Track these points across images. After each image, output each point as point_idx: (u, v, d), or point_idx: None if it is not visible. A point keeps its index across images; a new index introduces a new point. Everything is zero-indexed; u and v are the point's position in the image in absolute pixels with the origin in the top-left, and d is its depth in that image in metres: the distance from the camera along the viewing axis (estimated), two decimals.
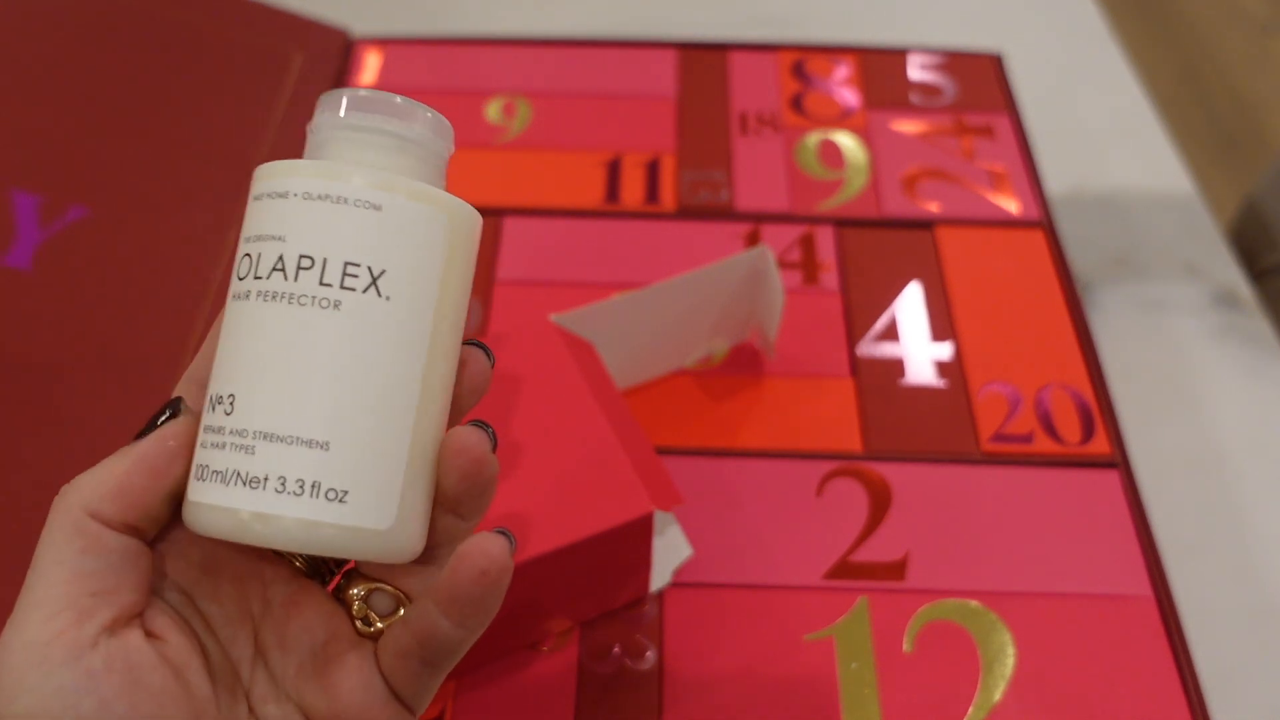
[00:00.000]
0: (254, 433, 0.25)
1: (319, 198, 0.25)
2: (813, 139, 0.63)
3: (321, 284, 0.25)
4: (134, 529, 0.25)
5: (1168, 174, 0.69)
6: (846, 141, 0.63)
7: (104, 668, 0.24)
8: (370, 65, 0.65)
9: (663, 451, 0.48)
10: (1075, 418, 0.50)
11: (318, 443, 0.25)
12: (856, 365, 0.52)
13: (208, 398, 0.26)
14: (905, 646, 0.42)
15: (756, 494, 0.47)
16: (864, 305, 0.54)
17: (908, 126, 0.64)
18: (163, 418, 0.26)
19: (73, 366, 0.48)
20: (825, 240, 0.57)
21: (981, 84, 0.66)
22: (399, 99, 0.27)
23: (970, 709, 0.41)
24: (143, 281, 0.51)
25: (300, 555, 0.28)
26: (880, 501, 0.47)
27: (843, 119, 0.64)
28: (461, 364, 0.27)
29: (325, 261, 0.25)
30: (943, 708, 0.41)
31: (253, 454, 0.25)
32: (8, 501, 0.43)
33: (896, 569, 0.45)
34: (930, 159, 0.62)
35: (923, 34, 0.76)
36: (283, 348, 0.25)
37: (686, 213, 0.58)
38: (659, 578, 0.43)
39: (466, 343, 0.28)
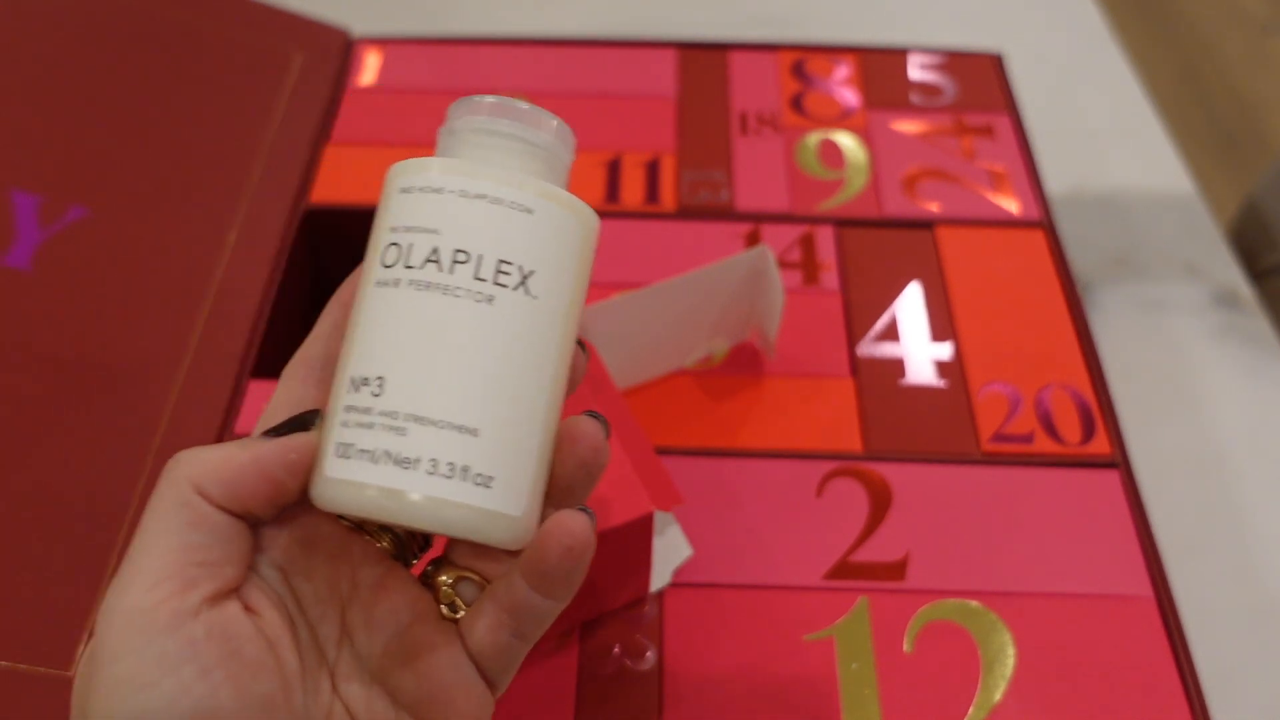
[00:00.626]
0: (405, 415, 0.26)
1: (476, 196, 0.27)
2: (813, 139, 0.63)
3: (476, 278, 0.26)
4: (233, 515, 0.26)
5: (1168, 174, 0.69)
6: (846, 141, 0.63)
7: (204, 636, 0.24)
8: (370, 65, 0.65)
9: (663, 451, 0.48)
10: (1075, 418, 0.50)
11: (468, 429, 0.26)
12: (856, 365, 0.52)
13: (346, 378, 0.27)
14: (905, 646, 0.42)
15: (756, 494, 0.47)
16: (864, 305, 0.54)
17: (908, 126, 0.64)
18: (289, 425, 0.27)
19: (72, 366, 0.48)
20: (825, 240, 0.57)
21: (981, 84, 0.66)
22: (534, 107, 0.29)
23: (970, 709, 0.41)
24: (143, 281, 0.51)
25: (387, 537, 0.29)
26: (880, 502, 0.47)
27: (843, 119, 0.64)
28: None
29: (481, 258, 0.26)
30: (943, 708, 0.41)
31: (404, 435, 0.26)
32: (8, 501, 0.43)
33: (896, 569, 0.45)
34: (930, 159, 0.62)
35: (923, 34, 0.76)
36: (436, 336, 0.26)
37: (686, 213, 0.58)
38: (659, 578, 0.43)
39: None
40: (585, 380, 0.41)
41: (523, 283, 0.27)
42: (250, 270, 0.54)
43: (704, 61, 0.67)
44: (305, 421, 0.27)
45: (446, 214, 0.27)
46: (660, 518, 0.43)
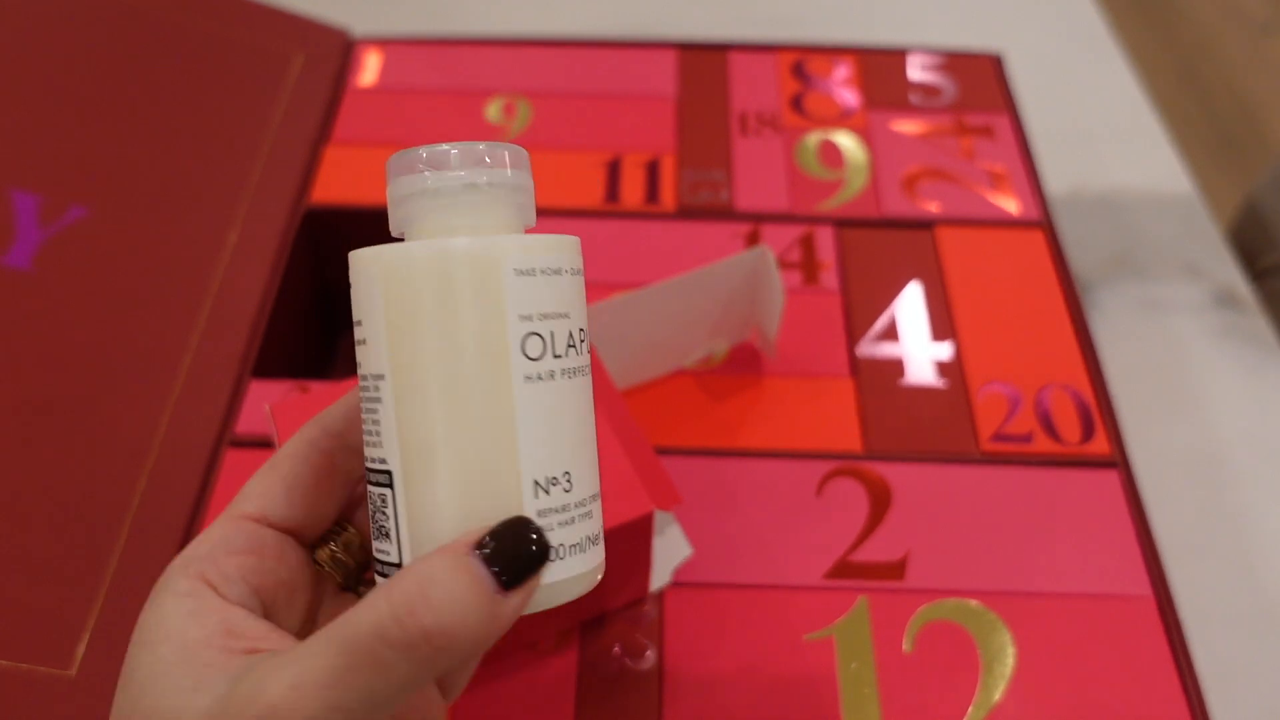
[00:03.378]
0: (589, 498, 0.27)
1: (574, 272, 0.27)
2: (813, 139, 0.63)
3: (580, 354, 0.27)
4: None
5: (1168, 174, 0.69)
6: (846, 141, 0.63)
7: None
8: (370, 65, 0.65)
9: (663, 451, 0.48)
10: (1075, 418, 0.50)
11: (598, 495, 0.28)
12: (856, 365, 0.52)
13: (529, 483, 0.25)
14: (905, 646, 0.42)
15: (756, 494, 0.47)
16: (864, 305, 0.54)
17: (908, 126, 0.64)
18: (539, 567, 0.25)
19: (73, 366, 0.48)
20: (825, 240, 0.57)
21: (981, 84, 0.66)
22: (499, 146, 0.27)
23: (970, 709, 0.41)
24: (143, 281, 0.51)
25: (339, 571, 0.30)
26: (880, 501, 0.47)
27: (843, 119, 0.64)
28: None
29: (582, 331, 0.27)
30: (943, 708, 0.41)
31: (591, 517, 0.27)
32: (8, 501, 0.43)
33: (896, 569, 0.45)
34: (930, 159, 0.62)
35: (923, 34, 0.76)
36: (585, 416, 0.27)
37: (686, 213, 0.58)
38: (659, 578, 0.43)
39: None
40: None
41: (583, 342, 0.28)
42: (250, 270, 0.54)
43: (704, 61, 0.67)
44: (540, 555, 0.25)
45: (569, 296, 0.27)
46: (660, 518, 0.43)
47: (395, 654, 0.22)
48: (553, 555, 0.25)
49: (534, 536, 0.25)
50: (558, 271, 0.26)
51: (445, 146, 0.26)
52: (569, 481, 0.26)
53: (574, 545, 0.27)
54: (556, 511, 0.26)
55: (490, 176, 0.26)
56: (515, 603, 0.24)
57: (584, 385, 0.27)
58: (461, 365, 0.25)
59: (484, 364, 0.25)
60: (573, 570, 0.26)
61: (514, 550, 0.24)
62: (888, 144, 0.63)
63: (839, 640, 0.42)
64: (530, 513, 0.25)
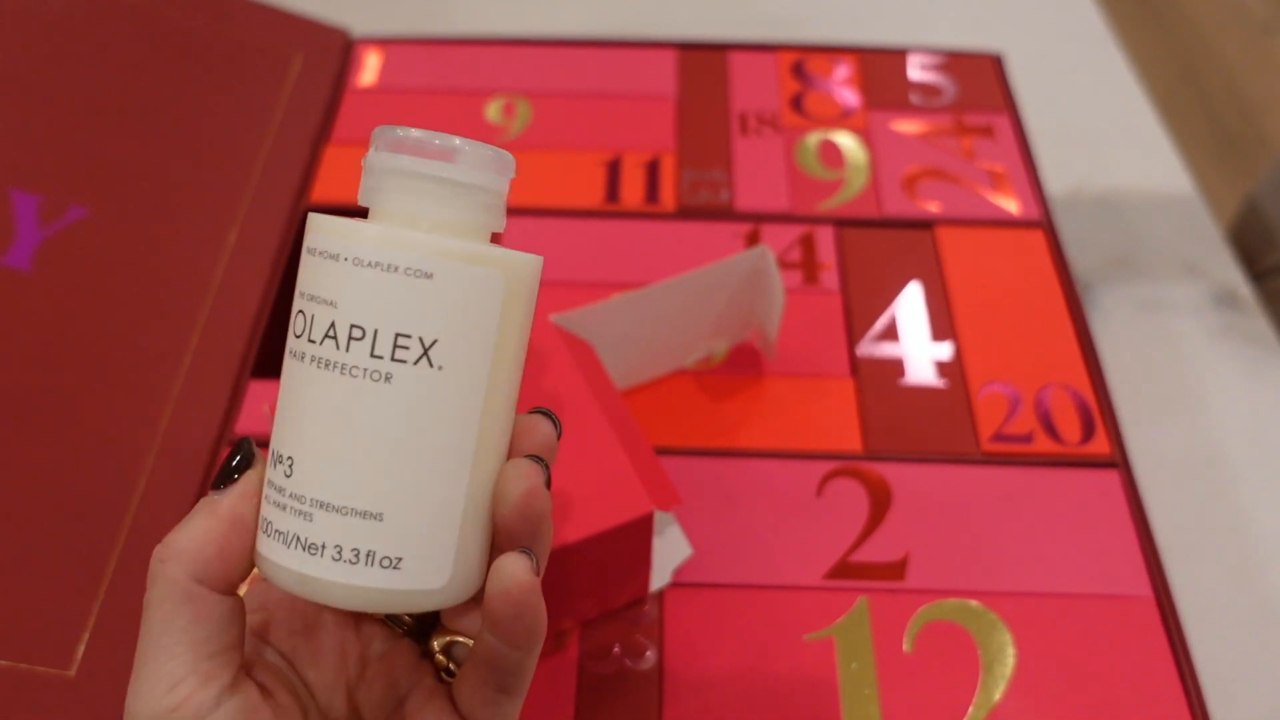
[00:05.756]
0: (311, 500, 0.25)
1: (370, 265, 0.25)
2: (813, 139, 0.63)
3: (373, 356, 0.25)
4: (236, 585, 0.26)
5: (1168, 174, 0.69)
6: (846, 141, 0.63)
7: None
8: (370, 65, 0.65)
9: (663, 451, 0.48)
10: (1075, 418, 0.50)
11: (371, 514, 0.25)
12: (856, 365, 0.52)
13: (271, 451, 0.26)
14: (905, 646, 0.42)
15: (756, 494, 0.47)
16: (864, 305, 0.54)
17: (908, 126, 0.64)
18: (237, 468, 0.27)
19: (73, 366, 0.48)
20: (825, 240, 0.57)
21: (981, 84, 0.66)
22: (456, 140, 0.26)
23: (970, 709, 0.41)
24: (143, 281, 0.51)
25: (394, 619, 0.30)
26: (880, 501, 0.47)
27: (843, 119, 0.64)
28: (526, 432, 0.28)
29: (376, 332, 0.25)
30: (943, 708, 0.41)
31: (311, 521, 0.25)
32: (8, 501, 0.43)
33: (896, 569, 0.45)
34: (930, 159, 0.62)
35: (923, 34, 0.76)
36: (336, 419, 0.25)
37: (686, 213, 0.58)
38: (659, 578, 0.43)
39: (535, 411, 0.28)
40: (585, 380, 0.41)
41: (424, 355, 0.25)
42: (250, 270, 0.54)
43: (704, 61, 0.67)
44: (243, 454, 0.27)
45: (342, 285, 0.25)
46: (660, 518, 0.43)
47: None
48: (262, 525, 0.26)
49: (244, 446, 0.27)
50: (334, 257, 0.25)
51: (421, 134, 0.26)
52: (290, 468, 0.25)
53: (280, 532, 0.25)
54: (275, 489, 0.26)
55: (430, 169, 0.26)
56: (217, 499, 0.26)
57: (346, 384, 0.25)
58: None
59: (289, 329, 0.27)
60: (277, 557, 0.26)
61: (227, 459, 0.27)
62: (888, 144, 0.63)
63: (839, 640, 0.42)
64: (268, 478, 0.26)
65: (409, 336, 0.25)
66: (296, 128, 0.60)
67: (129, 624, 0.42)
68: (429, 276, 0.25)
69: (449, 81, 0.65)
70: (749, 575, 0.44)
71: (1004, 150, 0.62)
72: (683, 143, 0.62)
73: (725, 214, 0.58)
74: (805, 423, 0.50)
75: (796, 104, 0.65)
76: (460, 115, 0.63)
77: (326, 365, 0.25)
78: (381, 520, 0.25)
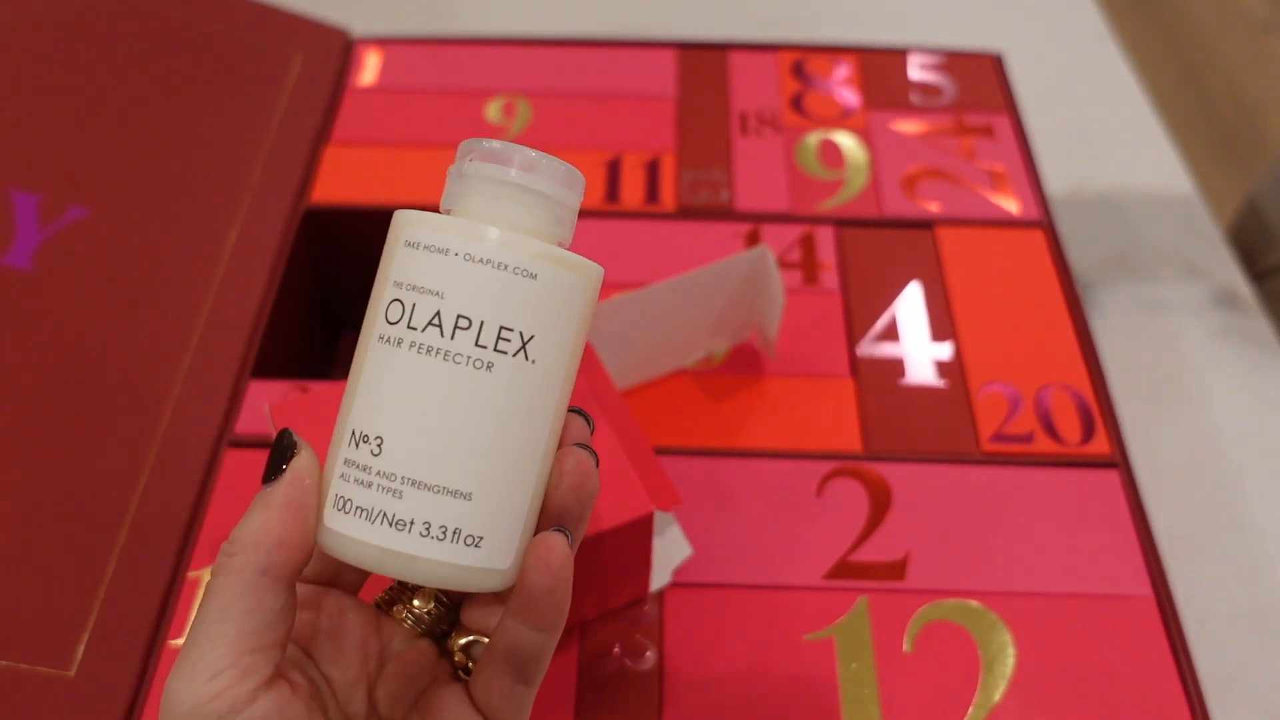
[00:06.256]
0: (403, 478, 0.27)
1: (481, 262, 0.27)
2: (813, 139, 0.63)
3: (477, 345, 0.27)
4: (299, 573, 0.27)
5: (1168, 174, 0.69)
6: (846, 141, 0.63)
7: (263, 718, 0.26)
8: (370, 65, 0.65)
9: (662, 451, 0.48)
10: (1075, 418, 0.50)
11: (462, 494, 0.27)
12: (856, 365, 0.52)
13: (349, 431, 0.27)
14: (905, 646, 0.42)
15: (756, 494, 0.47)
16: (864, 305, 0.54)
17: (908, 126, 0.64)
18: (284, 458, 0.28)
19: (72, 366, 0.48)
20: (825, 240, 0.57)
21: (981, 84, 0.66)
22: (548, 158, 0.29)
23: (970, 709, 0.41)
24: (143, 281, 0.51)
25: (412, 619, 0.31)
26: (880, 501, 0.47)
27: (843, 119, 0.64)
28: (567, 428, 0.29)
29: (482, 324, 0.27)
30: (943, 708, 0.41)
31: (400, 498, 0.27)
32: (8, 501, 0.43)
33: (896, 569, 0.45)
34: (930, 159, 0.62)
35: (923, 34, 0.76)
36: (435, 402, 0.27)
37: (686, 213, 0.58)
38: (659, 578, 0.43)
39: (571, 410, 0.30)
40: (585, 380, 0.41)
41: (522, 348, 0.27)
42: (250, 270, 0.54)
43: (704, 61, 0.67)
44: (287, 444, 0.28)
45: (450, 277, 0.27)
46: (660, 518, 0.43)
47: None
48: (334, 502, 0.27)
49: (286, 438, 0.28)
50: (444, 251, 0.27)
51: (535, 154, 0.29)
52: (379, 446, 0.27)
53: (362, 509, 0.27)
54: (357, 467, 0.27)
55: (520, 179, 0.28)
56: (270, 490, 0.27)
57: (448, 370, 0.27)
58: (366, 314, 0.28)
59: (368, 317, 0.28)
60: (357, 533, 0.27)
61: (272, 452, 0.28)
62: (888, 144, 0.63)
63: (839, 640, 0.42)
64: (339, 455, 0.27)
65: (511, 330, 0.27)
66: (296, 128, 0.60)
67: (129, 624, 0.42)
68: (534, 277, 0.27)
69: (449, 81, 0.65)
70: (749, 575, 0.44)
71: (1004, 150, 0.62)
72: (683, 143, 0.62)
73: (725, 214, 0.58)
74: (805, 423, 0.50)
75: (796, 104, 0.65)
76: (460, 115, 0.63)
77: (428, 351, 0.27)
78: (470, 500, 0.27)
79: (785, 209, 0.59)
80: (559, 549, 0.27)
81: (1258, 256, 0.72)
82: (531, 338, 0.27)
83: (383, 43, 0.67)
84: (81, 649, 0.41)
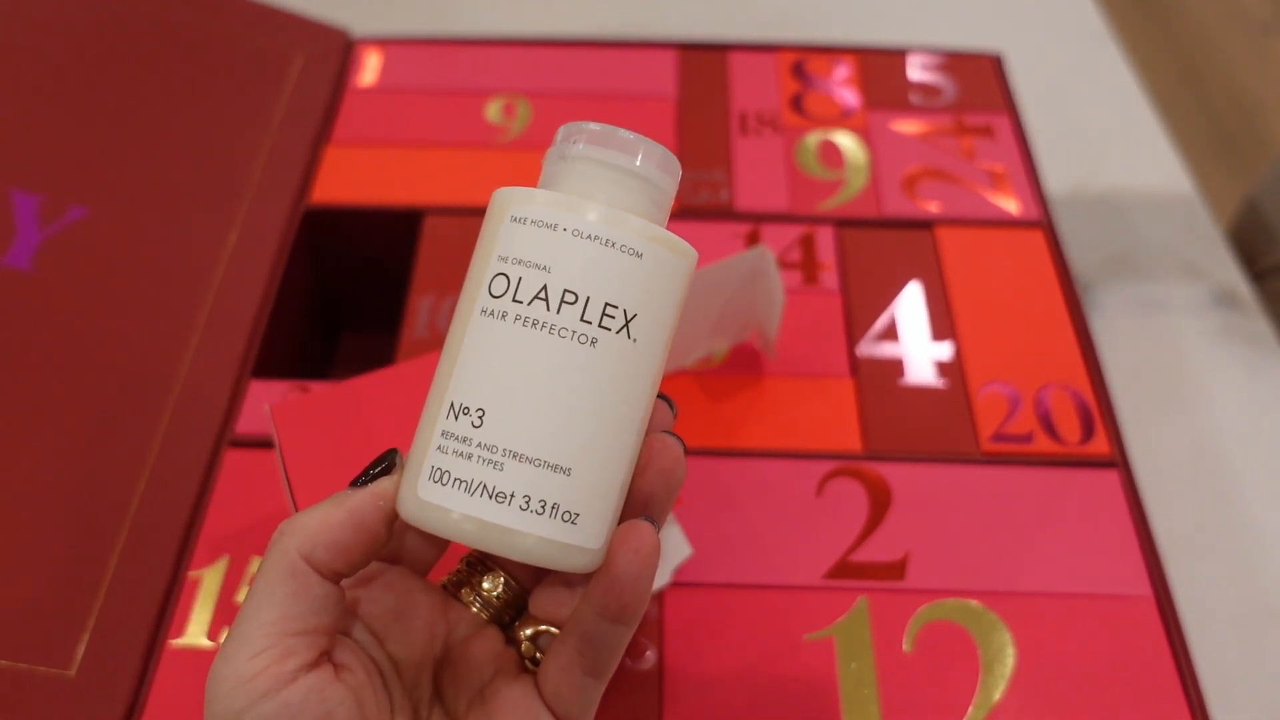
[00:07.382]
0: (504, 450, 0.26)
1: (589, 238, 0.27)
2: (813, 139, 0.63)
3: (582, 320, 0.27)
4: (339, 576, 0.28)
5: (1168, 174, 0.69)
6: (846, 141, 0.63)
7: (300, 700, 0.26)
8: (370, 65, 0.65)
9: None
10: (1075, 418, 0.50)
11: (562, 468, 0.27)
12: (856, 365, 0.52)
13: (448, 403, 0.27)
14: (905, 646, 0.42)
15: (756, 494, 0.47)
16: (864, 305, 0.54)
17: (908, 126, 0.64)
18: (379, 473, 0.28)
19: (73, 366, 0.48)
20: (825, 240, 0.57)
21: (981, 84, 0.66)
22: (649, 142, 0.29)
23: (970, 709, 0.41)
24: (143, 281, 0.51)
25: (479, 603, 0.31)
26: (880, 501, 0.47)
27: (843, 119, 0.64)
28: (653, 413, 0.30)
29: (588, 299, 0.27)
30: (943, 708, 0.41)
31: (501, 470, 0.26)
32: (8, 501, 0.43)
33: (896, 569, 0.45)
34: (930, 159, 0.62)
35: (923, 34, 0.76)
36: (539, 375, 0.27)
37: (686, 213, 0.58)
38: (659, 578, 0.43)
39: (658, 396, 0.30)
40: None
41: (625, 326, 0.27)
42: (250, 270, 0.54)
43: (704, 61, 0.67)
44: (389, 463, 0.28)
45: (558, 252, 0.27)
46: None
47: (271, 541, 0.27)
48: (430, 473, 0.27)
49: (391, 456, 0.28)
50: (552, 227, 0.27)
51: (641, 138, 0.30)
52: (480, 418, 0.27)
53: (461, 480, 0.26)
54: (456, 439, 0.27)
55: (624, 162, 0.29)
56: (361, 497, 0.28)
57: (554, 344, 0.27)
58: (463, 290, 0.28)
59: (467, 289, 0.28)
60: (454, 505, 0.26)
61: (372, 462, 0.29)
62: (888, 144, 0.63)
63: (839, 640, 0.42)
64: (435, 427, 0.27)
65: (616, 307, 0.27)
66: (296, 128, 0.60)
67: (129, 624, 0.42)
68: (639, 256, 0.27)
69: (449, 81, 0.65)
70: (749, 575, 0.44)
71: (1004, 150, 0.62)
72: (683, 143, 0.62)
73: (725, 214, 0.58)
74: (805, 423, 0.50)
75: (796, 104, 0.65)
76: (460, 115, 0.63)
77: (533, 324, 0.27)
78: (569, 475, 0.27)
79: (785, 209, 0.59)
80: (649, 537, 0.27)
81: (1257, 257, 0.72)
82: (634, 316, 0.27)
83: (383, 43, 0.67)
84: (81, 649, 0.41)
